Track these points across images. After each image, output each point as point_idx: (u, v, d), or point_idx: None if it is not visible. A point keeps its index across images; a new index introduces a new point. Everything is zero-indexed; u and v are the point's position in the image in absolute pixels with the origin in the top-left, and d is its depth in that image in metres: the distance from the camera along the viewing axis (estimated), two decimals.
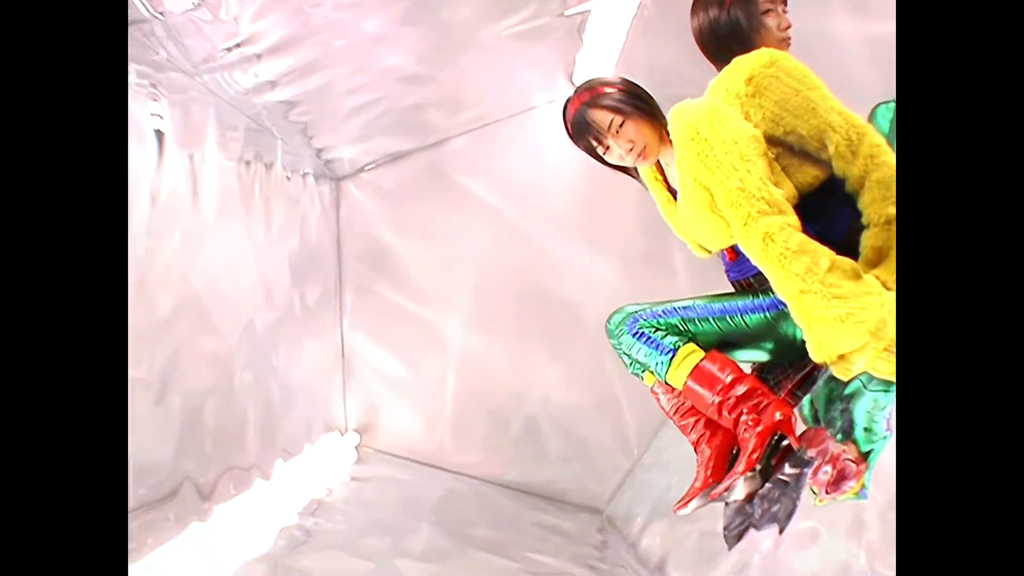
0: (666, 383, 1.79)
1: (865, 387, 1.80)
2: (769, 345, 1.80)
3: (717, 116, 1.68)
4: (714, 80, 1.81)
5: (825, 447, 1.81)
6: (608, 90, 1.81)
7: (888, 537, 2.19)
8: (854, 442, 1.86)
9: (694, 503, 1.78)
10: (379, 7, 3.09)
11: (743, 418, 1.71)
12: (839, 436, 1.87)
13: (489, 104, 4.48)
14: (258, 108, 3.42)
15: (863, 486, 1.90)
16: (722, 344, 1.79)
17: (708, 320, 1.78)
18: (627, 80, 1.86)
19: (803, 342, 1.64)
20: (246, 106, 3.35)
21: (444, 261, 4.70)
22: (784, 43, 1.83)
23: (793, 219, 1.62)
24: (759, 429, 1.69)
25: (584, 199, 4.52)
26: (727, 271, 1.87)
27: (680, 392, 1.80)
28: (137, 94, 2.58)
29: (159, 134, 2.72)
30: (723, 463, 1.82)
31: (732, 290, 1.87)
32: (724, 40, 1.83)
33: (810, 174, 1.70)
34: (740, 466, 1.70)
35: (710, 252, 1.90)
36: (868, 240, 1.63)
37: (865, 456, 1.87)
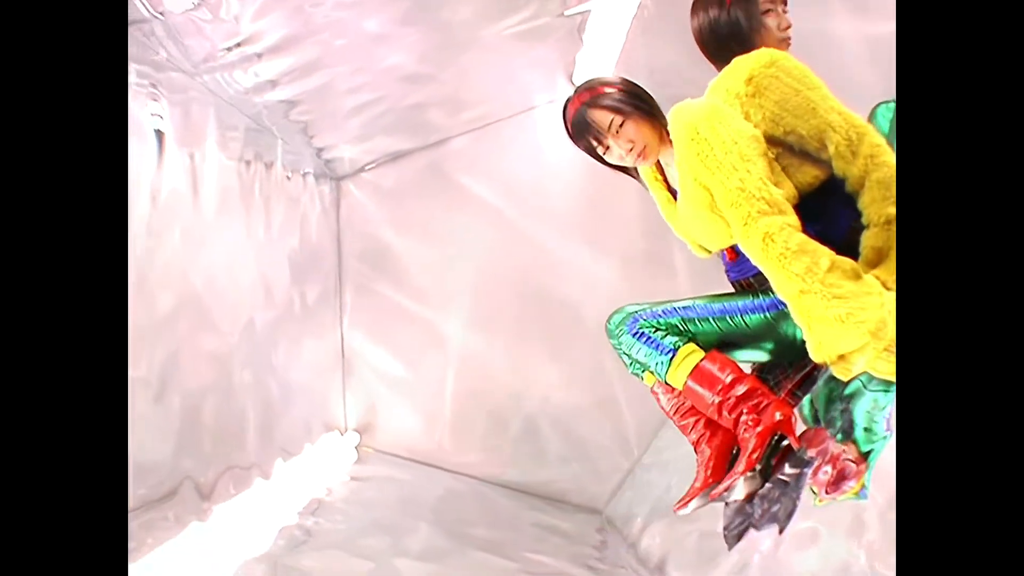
0: (666, 383, 1.79)
1: (865, 387, 1.80)
2: (769, 345, 1.80)
3: (717, 116, 1.68)
4: (714, 80, 1.81)
5: (825, 447, 1.81)
6: (608, 90, 1.81)
7: (888, 537, 2.19)
8: (854, 442, 1.86)
9: (694, 503, 1.78)
10: (380, 6, 3.09)
11: (743, 418, 1.71)
12: (839, 436, 1.86)
13: (490, 104, 4.48)
14: (258, 107, 3.42)
15: (863, 486, 1.90)
16: (722, 344, 1.79)
17: (708, 320, 1.78)
18: (627, 80, 1.86)
19: (803, 342, 1.64)
20: (246, 105, 3.35)
21: (444, 261, 4.70)
22: (784, 43, 1.83)
23: (793, 219, 1.62)
24: (759, 429, 1.69)
25: (584, 199, 4.52)
26: (727, 271, 1.87)
27: (680, 392, 1.80)
28: (137, 94, 2.58)
29: (159, 134, 2.72)
30: (723, 463, 1.82)
31: (732, 290, 1.87)
32: (724, 40, 1.83)
33: (810, 174, 1.70)
34: (740, 466, 1.70)
35: (710, 252, 1.90)
36: (868, 240, 1.63)
37: (865, 456, 1.87)
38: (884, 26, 2.01)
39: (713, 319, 1.78)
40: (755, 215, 1.61)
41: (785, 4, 1.86)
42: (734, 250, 1.77)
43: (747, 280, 1.80)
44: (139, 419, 2.48)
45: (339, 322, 4.77)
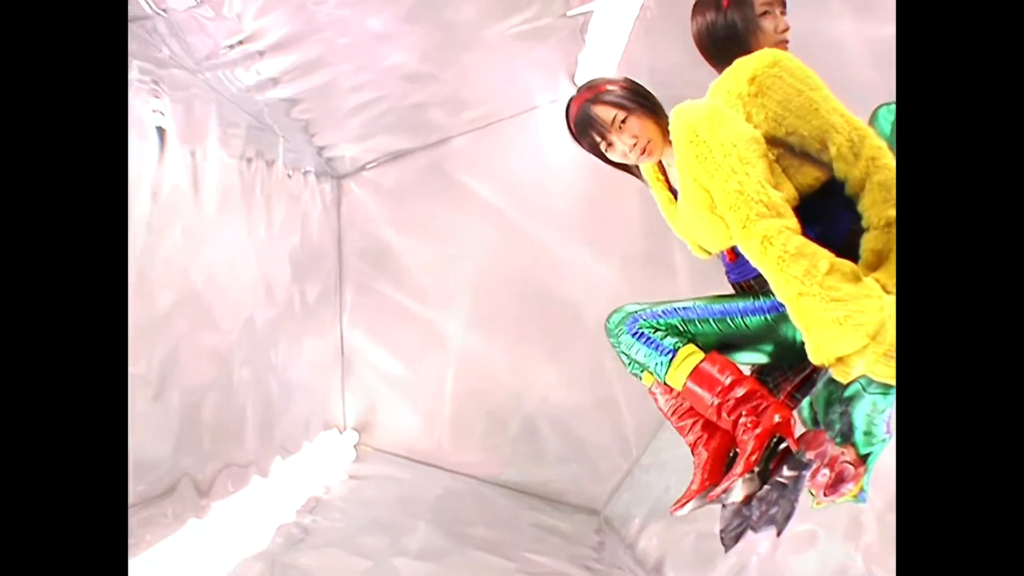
0: (665, 384, 1.79)
1: (864, 390, 1.80)
2: (768, 348, 1.80)
3: (716, 118, 1.68)
4: (715, 81, 1.81)
5: (824, 449, 1.81)
6: (611, 87, 1.82)
7: (886, 540, 2.19)
8: (853, 445, 1.86)
9: (691, 505, 1.78)
10: (382, 5, 3.09)
11: (742, 420, 1.71)
12: (838, 439, 1.87)
13: (491, 103, 4.48)
14: (260, 105, 3.43)
15: (862, 489, 1.90)
16: (722, 346, 1.79)
17: (708, 321, 1.78)
18: (629, 79, 1.87)
19: (803, 345, 1.64)
20: (248, 103, 3.36)
21: (445, 260, 4.70)
22: (781, 46, 1.83)
23: (791, 222, 1.62)
24: (758, 431, 1.69)
25: (585, 199, 4.51)
26: (727, 273, 1.87)
27: (679, 393, 1.80)
28: (139, 90, 2.58)
29: (161, 131, 2.72)
30: (720, 466, 1.82)
31: (732, 292, 1.87)
32: (721, 43, 1.83)
33: (811, 175, 1.70)
34: (738, 468, 1.70)
35: (710, 253, 1.90)
36: (868, 243, 1.63)
37: (864, 459, 1.87)
38: (885, 28, 2.01)
39: (713, 320, 1.78)
40: (753, 218, 1.61)
41: (783, 7, 1.86)
42: (734, 251, 1.77)
43: (747, 282, 1.80)
44: (138, 416, 2.48)
45: (339, 321, 4.77)
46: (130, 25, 2.43)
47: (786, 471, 1.74)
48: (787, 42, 1.84)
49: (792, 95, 1.67)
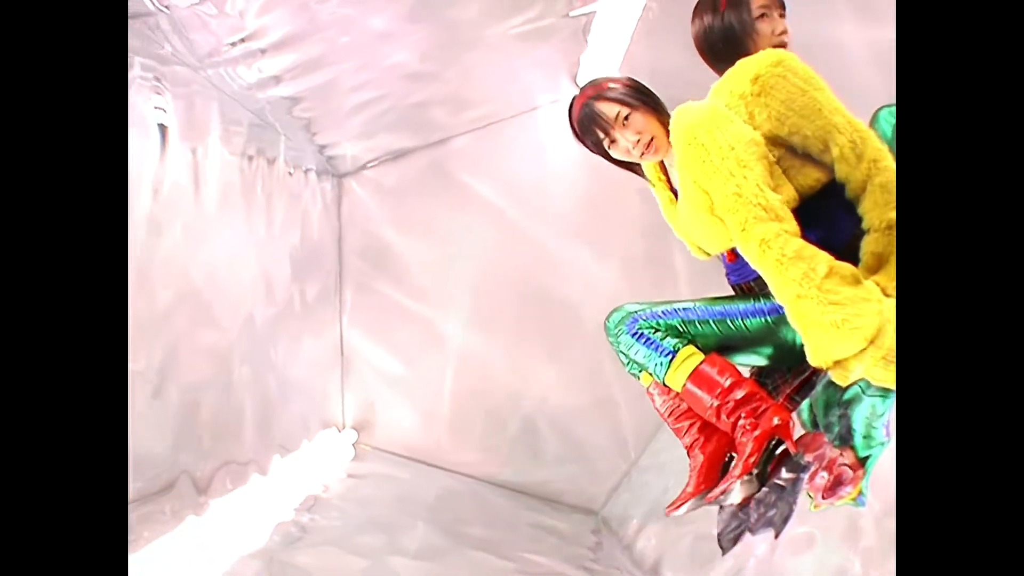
0: (664, 385, 1.79)
1: (864, 393, 1.80)
2: (768, 350, 1.80)
3: (715, 121, 1.68)
4: (717, 82, 1.81)
5: (822, 452, 1.81)
6: (614, 85, 1.83)
7: (884, 544, 2.19)
8: (852, 448, 1.86)
9: (687, 506, 1.78)
10: (385, 4, 3.09)
11: (741, 422, 1.71)
12: (836, 442, 1.87)
13: (493, 103, 4.48)
14: (262, 103, 3.43)
15: (860, 492, 1.90)
16: (721, 347, 1.79)
17: (708, 322, 1.78)
18: (632, 78, 1.87)
19: (802, 347, 1.64)
20: (250, 101, 3.35)
21: (445, 260, 4.70)
22: (780, 48, 1.83)
23: (790, 225, 1.61)
24: (757, 433, 1.69)
25: (586, 200, 4.52)
26: (727, 274, 1.87)
27: (676, 394, 1.80)
28: (141, 87, 2.58)
29: (162, 127, 2.72)
30: (715, 471, 1.82)
31: (732, 293, 1.87)
32: (719, 46, 1.84)
33: (811, 177, 1.70)
34: (737, 470, 1.70)
35: (709, 255, 1.90)
36: (868, 246, 1.63)
37: (862, 462, 1.87)
38: (886, 30, 2.00)
39: (713, 322, 1.78)
40: (751, 221, 1.61)
41: (782, 9, 1.86)
42: (734, 253, 1.77)
43: (747, 284, 1.80)
44: (137, 413, 2.47)
45: (339, 319, 4.77)
46: (133, 22, 2.43)
47: (784, 473, 1.74)
48: (785, 45, 1.84)
49: (796, 94, 1.67)
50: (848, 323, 1.54)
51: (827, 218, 1.69)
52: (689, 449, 1.87)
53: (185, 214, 2.91)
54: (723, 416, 1.73)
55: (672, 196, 1.92)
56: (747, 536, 1.86)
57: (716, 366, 1.74)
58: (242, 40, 2.87)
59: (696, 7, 1.90)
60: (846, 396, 1.83)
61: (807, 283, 1.56)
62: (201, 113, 3.02)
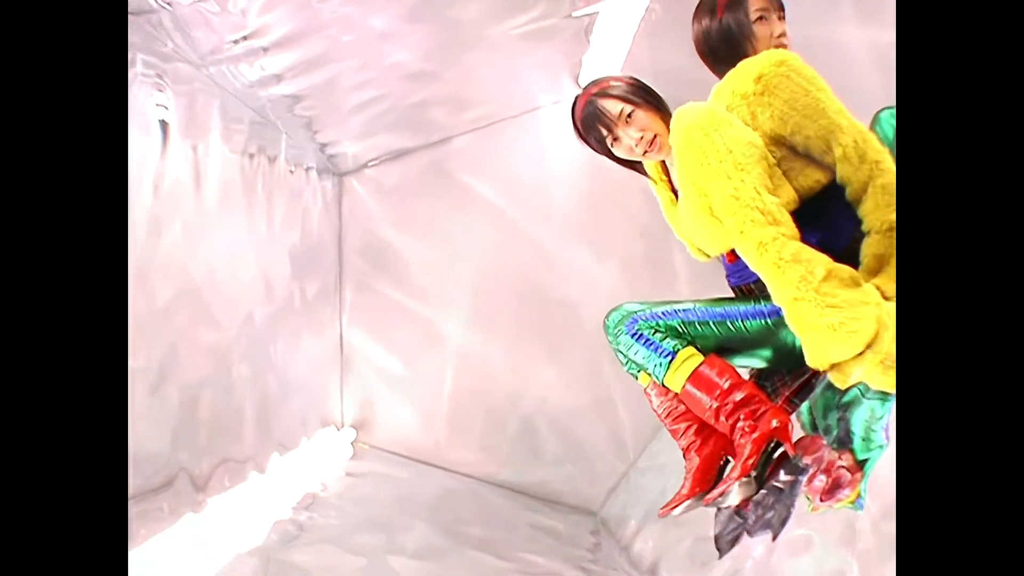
0: (663, 386, 1.79)
1: (863, 396, 1.80)
2: (767, 353, 1.79)
3: (713, 123, 1.68)
4: (719, 83, 1.81)
5: (821, 455, 1.80)
6: (617, 83, 1.83)
7: (882, 546, 2.19)
8: (851, 451, 1.86)
9: (683, 507, 1.78)
10: (386, 3, 3.09)
11: (740, 424, 1.71)
12: (835, 444, 1.86)
13: (494, 103, 4.48)
14: (263, 101, 3.43)
15: (859, 495, 1.90)
16: (720, 349, 1.78)
17: (708, 324, 1.78)
18: (635, 77, 1.87)
19: (802, 350, 1.63)
20: (251, 99, 3.36)
21: (445, 259, 4.70)
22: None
23: (787, 228, 1.61)
24: (755, 435, 1.69)
25: (586, 200, 4.52)
26: (727, 276, 1.87)
27: (674, 395, 1.80)
28: (143, 84, 2.58)
29: (163, 124, 2.72)
30: (711, 473, 1.81)
31: (732, 295, 1.86)
32: (718, 48, 1.84)
33: (812, 178, 1.70)
34: (735, 471, 1.69)
35: (709, 256, 1.90)
36: (869, 248, 1.63)
37: (861, 465, 1.87)
38: (887, 32, 2.01)
39: (713, 323, 1.77)
40: (749, 224, 1.61)
41: (781, 11, 1.86)
42: (734, 254, 1.77)
43: (747, 285, 1.79)
44: (136, 410, 2.48)
45: (338, 318, 4.77)
46: (135, 19, 2.43)
47: (783, 476, 1.73)
48: (785, 47, 1.84)
49: (799, 94, 1.67)
50: (845, 326, 1.53)
51: (827, 220, 1.69)
52: (685, 451, 1.87)
53: (185, 211, 2.91)
54: (722, 418, 1.72)
55: (673, 196, 1.92)
56: (745, 538, 1.86)
57: (715, 368, 1.74)
58: (244, 38, 2.88)
59: (695, 10, 1.90)
60: (845, 399, 1.83)
61: (805, 286, 1.56)
62: (202, 110, 3.02)
